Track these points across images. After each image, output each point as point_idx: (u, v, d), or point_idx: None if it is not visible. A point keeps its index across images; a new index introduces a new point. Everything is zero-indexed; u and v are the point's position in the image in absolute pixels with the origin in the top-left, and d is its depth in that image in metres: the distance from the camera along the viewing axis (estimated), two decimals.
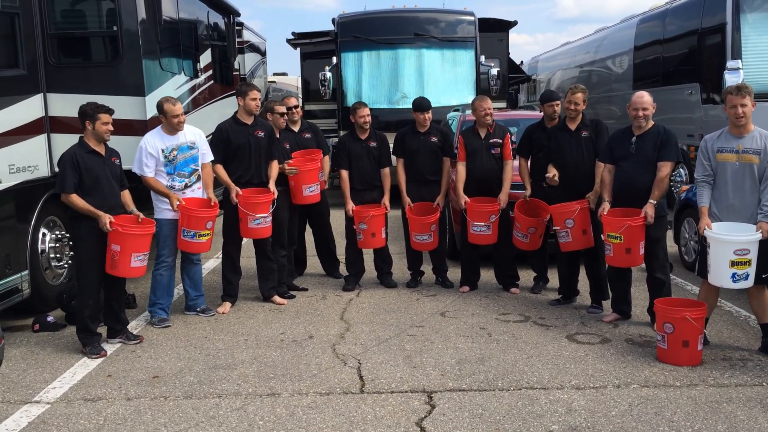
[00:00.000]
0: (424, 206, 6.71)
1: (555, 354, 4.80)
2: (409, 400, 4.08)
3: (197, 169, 5.82)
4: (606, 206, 5.35)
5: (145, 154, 5.58)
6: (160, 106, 5.67)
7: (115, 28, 6.58)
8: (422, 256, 6.94)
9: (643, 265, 5.40)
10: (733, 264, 4.46)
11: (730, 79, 9.29)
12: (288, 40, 14.88)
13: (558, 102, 6.20)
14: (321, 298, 6.50)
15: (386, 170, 6.81)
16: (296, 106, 7.19)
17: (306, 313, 5.98)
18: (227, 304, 6.12)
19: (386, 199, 6.75)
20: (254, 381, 4.43)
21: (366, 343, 5.12)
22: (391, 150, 6.89)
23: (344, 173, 6.77)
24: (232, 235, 6.15)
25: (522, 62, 24.02)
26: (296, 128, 7.15)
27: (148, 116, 6.46)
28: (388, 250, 6.94)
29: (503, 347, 4.97)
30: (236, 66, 11.11)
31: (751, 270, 4.48)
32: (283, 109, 6.61)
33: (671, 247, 7.70)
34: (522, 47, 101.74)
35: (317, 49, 14.56)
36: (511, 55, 16.68)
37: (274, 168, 6.22)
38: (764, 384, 4.19)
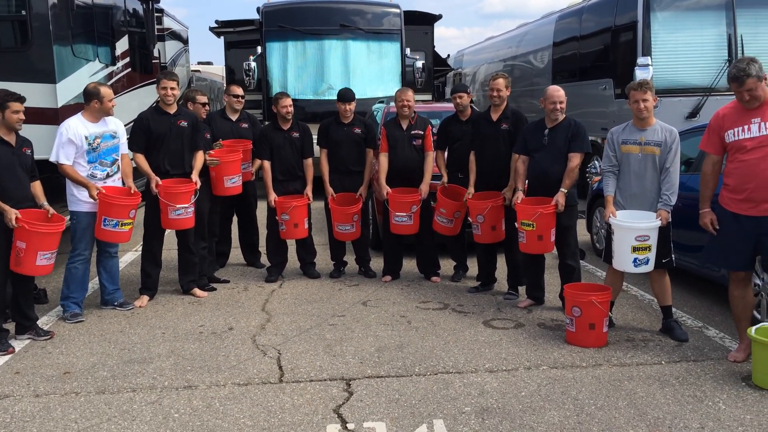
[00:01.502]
0: (347, 197, 6.75)
1: (471, 339, 4.95)
2: (327, 388, 4.12)
3: (118, 159, 5.67)
4: (520, 195, 5.54)
5: (65, 141, 5.36)
6: (92, 91, 5.46)
7: (24, 12, 6.32)
8: (345, 246, 6.99)
9: (556, 251, 5.62)
10: (635, 249, 4.71)
11: (641, 75, 9.73)
12: (211, 29, 14.58)
13: (461, 93, 6.38)
14: (243, 290, 6.45)
15: (309, 161, 6.82)
16: (242, 96, 7.13)
17: (227, 305, 5.93)
18: (145, 298, 6.00)
19: (309, 190, 6.76)
20: (170, 374, 4.38)
21: (287, 334, 5.13)
22: (315, 140, 6.90)
23: (266, 164, 6.73)
24: (153, 226, 6.01)
25: (449, 55, 24.39)
26: (234, 118, 7.08)
27: (60, 104, 6.24)
28: (311, 240, 6.96)
29: (422, 334, 5.08)
30: (156, 54, 10.82)
31: (651, 255, 4.75)
32: (204, 99, 6.51)
33: (584, 235, 8.05)
34: (450, 41, 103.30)
35: (242, 38, 14.34)
36: (437, 49, 16.91)
37: (199, 158, 6.11)
38: (662, 362, 4.45)
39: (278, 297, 6.19)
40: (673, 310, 5.24)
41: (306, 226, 6.73)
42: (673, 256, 4.95)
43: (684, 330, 4.94)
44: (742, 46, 9.81)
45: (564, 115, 5.51)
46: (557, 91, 5.45)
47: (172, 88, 5.86)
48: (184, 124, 5.96)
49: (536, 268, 5.79)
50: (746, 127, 4.23)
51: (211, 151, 6.41)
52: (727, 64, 9.89)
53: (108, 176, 5.57)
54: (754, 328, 4.13)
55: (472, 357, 4.59)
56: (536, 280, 5.81)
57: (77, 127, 5.44)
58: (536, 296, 5.81)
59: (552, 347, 4.76)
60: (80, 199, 5.48)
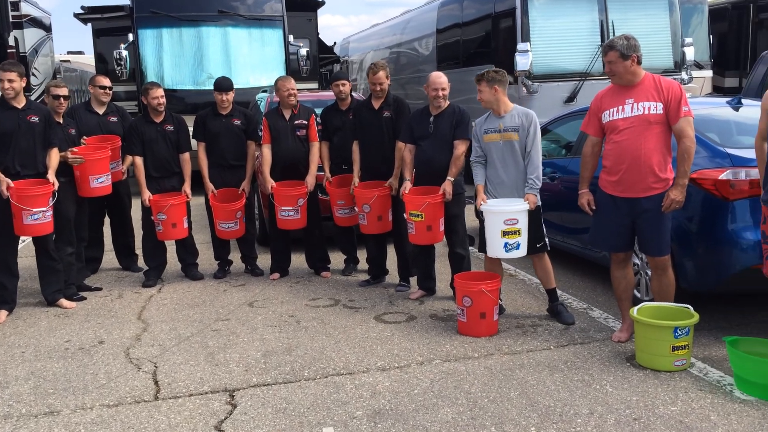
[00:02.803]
0: (229, 192, 6.40)
1: (362, 336, 4.78)
2: (208, 402, 3.81)
3: None
4: (407, 185, 5.42)
5: None
6: None
7: None
8: (230, 244, 6.64)
9: (445, 240, 5.55)
10: (504, 234, 4.70)
11: (521, 61, 9.94)
12: (76, 15, 13.53)
13: (343, 81, 6.20)
14: (117, 297, 5.96)
15: (186, 155, 6.40)
16: (110, 87, 6.57)
17: (98, 316, 5.44)
18: (3, 313, 5.39)
19: (187, 187, 6.34)
20: (30, 399, 3.91)
21: (164, 344, 4.75)
22: (191, 133, 6.48)
23: (138, 160, 6.24)
24: (5, 234, 5.39)
25: (335, 43, 24.13)
26: (101, 111, 6.50)
27: None
28: (192, 240, 6.55)
29: (311, 334, 4.85)
30: (11, 42, 9.86)
31: (522, 239, 4.75)
32: (60, 92, 5.91)
33: (474, 221, 8.10)
34: (337, 29, 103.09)
35: (111, 24, 13.43)
36: (323, 36, 16.63)
37: (54, 156, 5.52)
38: (551, 347, 4.47)
39: (156, 303, 5.76)
40: (559, 292, 5.30)
41: (185, 225, 6.31)
42: (546, 239, 4.99)
43: (570, 313, 5.00)
44: (614, 32, 10.20)
45: (448, 102, 5.43)
46: (439, 78, 5.36)
47: (10, 80, 5.21)
48: (34, 119, 5.36)
49: (426, 258, 5.70)
50: (620, 107, 4.28)
51: (74, 149, 5.85)
52: (600, 50, 10.28)
53: None
54: (636, 308, 4.21)
55: (364, 356, 4.42)
56: (427, 270, 5.72)
57: None
58: (428, 287, 5.73)
59: (444, 339, 4.67)
60: None
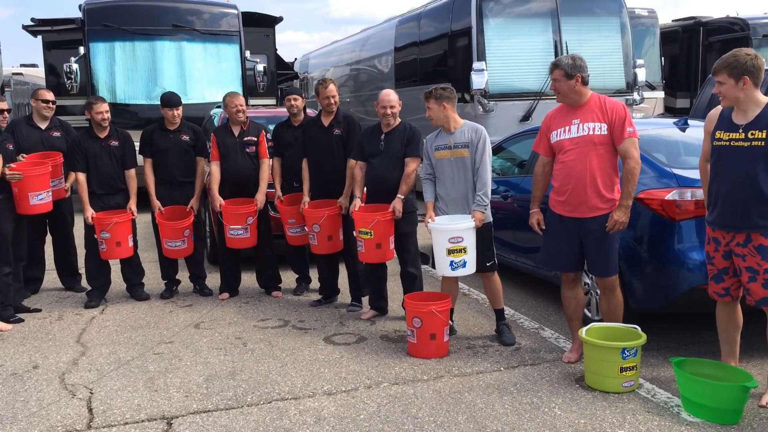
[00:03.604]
0: (177, 210, 6.22)
1: (310, 359, 4.65)
2: (144, 431, 3.64)
3: None
4: (357, 203, 5.34)
5: None
6: None
7: None
8: (177, 263, 6.44)
9: (397, 259, 5.47)
10: (450, 252, 4.64)
11: (477, 80, 10.00)
12: (25, 27, 13.17)
13: (296, 96, 6.14)
14: (56, 319, 5.72)
15: (131, 171, 6.20)
16: (53, 101, 6.36)
17: (34, 339, 5.20)
18: None
19: (132, 204, 6.15)
20: None
21: (102, 368, 4.55)
22: (138, 149, 6.30)
23: (81, 176, 6.03)
24: None
25: (296, 59, 24.05)
26: (44, 126, 6.28)
27: None
28: (137, 258, 6.34)
29: (257, 357, 4.71)
30: None
31: (468, 258, 4.68)
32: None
33: (429, 239, 8.05)
34: (299, 45, 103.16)
35: (63, 37, 13.09)
36: (286, 53, 16.56)
37: None
38: (501, 369, 4.41)
39: (98, 325, 5.53)
40: (511, 311, 5.28)
41: (130, 243, 6.11)
42: (496, 259, 4.95)
43: (512, 334, 4.94)
44: (567, 53, 10.35)
45: (399, 120, 5.38)
46: (388, 96, 5.31)
47: None
48: None
49: (378, 278, 5.61)
50: (567, 128, 4.28)
51: (12, 165, 5.62)
52: None
53: None
54: (584, 329, 4.18)
55: (310, 379, 4.29)
56: (378, 289, 5.63)
57: None
58: (379, 306, 5.63)
59: (394, 361, 4.57)
60: None
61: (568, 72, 4.20)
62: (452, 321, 5.00)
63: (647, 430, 3.50)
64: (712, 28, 15.82)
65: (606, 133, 4.16)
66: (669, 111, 15.45)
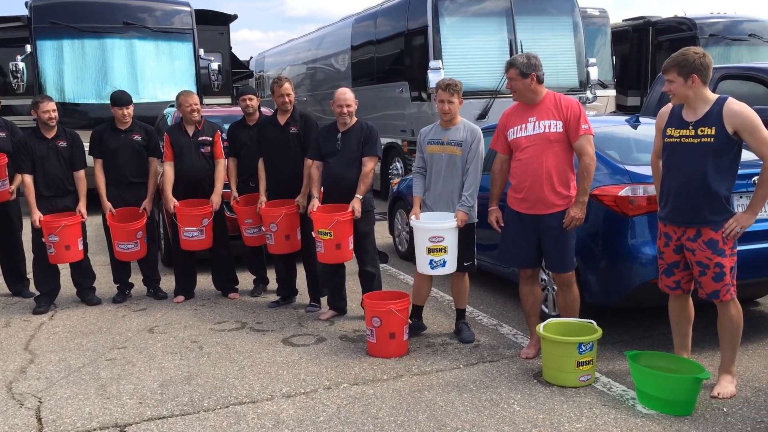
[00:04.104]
0: (129, 212, 6.07)
1: (269, 361, 4.58)
2: None
3: None
4: (315, 203, 5.28)
5: None
6: None
7: None
8: (130, 266, 6.29)
9: (355, 258, 5.44)
10: (430, 251, 4.63)
11: (433, 79, 10.00)
12: None
13: (251, 96, 6.05)
14: (3, 326, 5.51)
15: (81, 173, 6.03)
16: None
17: None
18: None
19: (82, 206, 5.97)
20: None
21: (52, 376, 4.40)
22: (87, 149, 6.12)
23: (27, 178, 5.83)
24: None
25: (251, 58, 23.77)
26: None
27: None
28: (88, 262, 6.16)
29: (214, 361, 4.62)
30: None
31: (448, 257, 4.68)
32: None
33: (387, 237, 8.05)
34: (255, 44, 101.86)
35: (8, 35, 12.71)
36: (240, 51, 16.37)
37: None
38: (461, 366, 4.42)
39: (47, 331, 5.36)
40: (471, 309, 5.30)
41: (80, 247, 5.93)
42: (476, 260, 4.94)
43: (471, 332, 4.95)
44: (522, 51, 10.45)
45: (355, 119, 5.34)
46: (344, 94, 5.26)
47: None
48: None
49: (337, 277, 5.56)
50: (524, 125, 4.31)
51: None
52: None
53: None
54: (542, 324, 4.22)
55: (269, 382, 4.23)
56: (337, 289, 5.58)
57: None
58: (338, 306, 5.59)
59: (353, 361, 4.54)
60: None
61: (523, 71, 4.23)
62: (414, 320, 4.99)
63: (604, 424, 3.55)
64: (661, 28, 16.21)
65: (562, 130, 4.20)
66: (620, 109, 15.78)
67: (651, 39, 16.41)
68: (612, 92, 14.28)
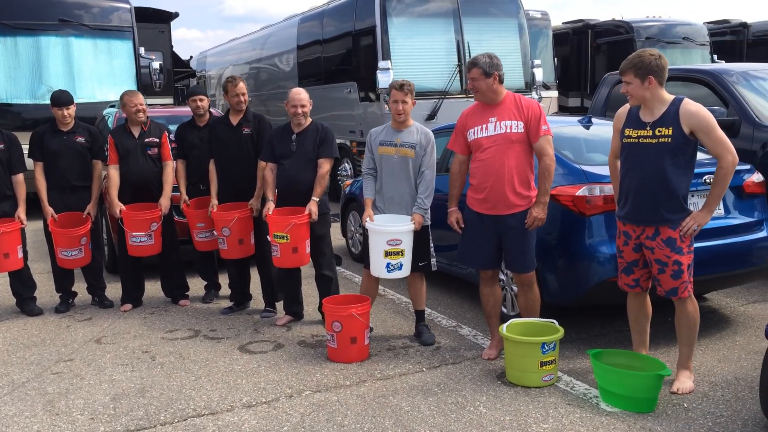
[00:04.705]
0: (72, 216, 5.80)
1: (226, 370, 4.44)
2: None
3: None
4: (270, 206, 5.15)
5: None
6: None
7: None
8: (73, 274, 6.01)
9: (312, 262, 5.34)
10: (387, 254, 4.57)
11: (382, 79, 9.98)
12: None
13: (201, 96, 5.91)
14: None
15: (19, 177, 5.72)
16: None
17: None
18: None
19: (21, 211, 5.67)
20: None
21: None
22: (26, 152, 5.82)
23: None
24: None
25: (191, 57, 23.27)
26: None
27: None
28: (28, 271, 5.86)
29: (168, 371, 4.44)
30: None
31: (405, 260, 4.64)
32: None
33: (340, 239, 7.96)
34: (193, 43, 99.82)
35: None
36: (178, 50, 15.94)
37: None
38: (424, 369, 4.38)
39: None
40: (428, 310, 5.26)
41: (19, 255, 5.63)
42: (433, 260, 4.90)
43: (431, 333, 4.93)
44: (469, 53, 10.53)
45: (310, 120, 5.24)
46: (299, 94, 5.15)
47: None
48: None
49: (293, 282, 5.45)
50: (484, 126, 4.31)
51: None
52: (458, 69, 10.57)
53: None
54: (505, 325, 4.22)
55: (227, 392, 4.09)
56: (293, 294, 5.47)
57: None
58: (295, 311, 5.47)
59: (314, 368, 4.44)
60: None
61: (486, 70, 4.23)
62: (371, 323, 4.92)
63: (570, 423, 3.57)
64: (600, 31, 16.65)
65: (523, 131, 4.21)
66: (562, 110, 16.14)
67: (590, 41, 16.85)
68: (554, 93, 14.57)
